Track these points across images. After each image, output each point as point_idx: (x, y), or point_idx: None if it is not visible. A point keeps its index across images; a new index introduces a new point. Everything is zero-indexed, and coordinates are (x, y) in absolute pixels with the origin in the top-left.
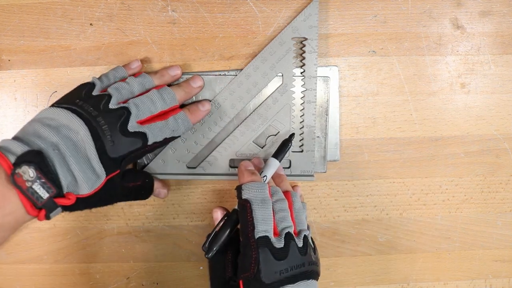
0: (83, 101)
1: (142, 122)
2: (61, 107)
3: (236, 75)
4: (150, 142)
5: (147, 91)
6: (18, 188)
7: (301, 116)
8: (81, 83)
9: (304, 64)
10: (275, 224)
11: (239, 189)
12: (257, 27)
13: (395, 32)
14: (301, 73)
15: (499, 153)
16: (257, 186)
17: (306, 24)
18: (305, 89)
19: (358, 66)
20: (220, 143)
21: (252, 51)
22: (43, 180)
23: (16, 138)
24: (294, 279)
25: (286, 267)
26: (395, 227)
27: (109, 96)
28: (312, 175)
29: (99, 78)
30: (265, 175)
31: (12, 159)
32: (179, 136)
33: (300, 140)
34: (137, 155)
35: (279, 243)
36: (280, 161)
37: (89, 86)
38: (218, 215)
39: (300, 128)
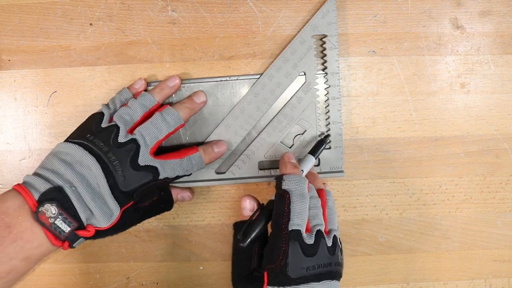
0: (94, 136)
1: (153, 151)
2: (74, 143)
3: (238, 79)
4: (161, 177)
5: (150, 110)
6: (42, 225)
7: (326, 113)
8: (81, 81)
9: (325, 61)
10: (308, 220)
11: (279, 178)
12: (257, 27)
13: (395, 32)
14: (323, 70)
15: (499, 153)
16: (298, 179)
17: (325, 21)
18: (328, 85)
19: (358, 66)
20: (248, 147)
21: (252, 51)
22: (64, 216)
23: (37, 174)
24: (319, 278)
25: (314, 265)
26: (395, 227)
27: (117, 128)
28: (342, 171)
29: (107, 105)
30: (302, 170)
31: (36, 196)
32: (191, 174)
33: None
34: (149, 187)
35: (309, 240)
36: (316, 159)
37: (98, 117)
38: (247, 204)
39: (327, 125)
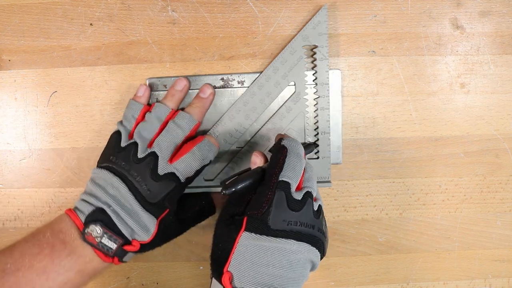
0: (116, 157)
1: (172, 158)
2: (102, 167)
3: (238, 78)
4: (183, 179)
5: (167, 119)
6: (90, 245)
7: (315, 123)
8: (81, 81)
9: (315, 72)
10: (301, 181)
11: (279, 140)
12: (257, 27)
13: (395, 32)
14: (313, 80)
15: (498, 153)
16: (297, 143)
17: (316, 32)
18: (318, 96)
19: (358, 66)
20: (236, 154)
21: (252, 51)
22: (109, 234)
23: (82, 199)
24: (299, 237)
25: (296, 220)
26: (395, 227)
27: (136, 145)
28: (329, 181)
29: (121, 123)
30: None
31: (82, 218)
32: (210, 163)
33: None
34: (178, 192)
35: (297, 196)
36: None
37: (116, 137)
38: (257, 161)
39: (315, 136)
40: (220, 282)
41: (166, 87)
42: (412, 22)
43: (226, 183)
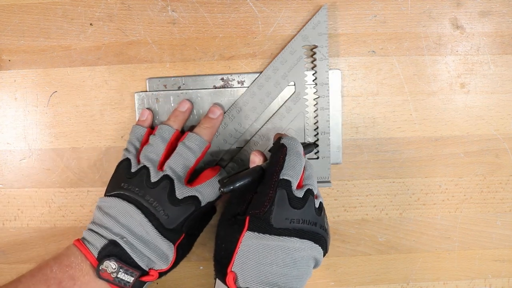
0: (128, 183)
1: (187, 180)
2: (111, 195)
3: (233, 78)
4: (204, 203)
5: (172, 140)
6: (106, 281)
7: (315, 123)
8: (81, 81)
9: (315, 72)
10: (302, 179)
11: (278, 139)
12: (257, 27)
13: (394, 32)
14: (313, 80)
15: (498, 153)
16: (296, 142)
17: (316, 32)
18: (317, 96)
19: (358, 66)
20: (236, 155)
21: (252, 51)
22: (125, 268)
23: (91, 229)
24: (302, 235)
25: (298, 218)
26: (395, 227)
27: (147, 169)
28: (329, 181)
29: (127, 149)
30: None
31: (95, 252)
32: (222, 195)
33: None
34: (196, 216)
35: (298, 193)
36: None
37: (126, 163)
38: (256, 160)
39: (315, 136)
40: (225, 282)
41: (166, 87)
42: (412, 22)
43: (225, 181)
